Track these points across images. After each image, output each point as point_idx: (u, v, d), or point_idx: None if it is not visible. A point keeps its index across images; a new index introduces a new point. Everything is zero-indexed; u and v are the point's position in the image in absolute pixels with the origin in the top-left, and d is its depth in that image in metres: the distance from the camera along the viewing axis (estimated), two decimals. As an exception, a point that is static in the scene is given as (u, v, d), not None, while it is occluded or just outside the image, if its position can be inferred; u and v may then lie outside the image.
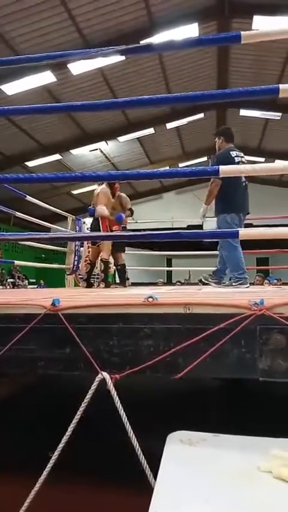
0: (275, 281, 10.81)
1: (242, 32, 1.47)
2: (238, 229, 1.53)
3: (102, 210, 4.77)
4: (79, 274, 6.49)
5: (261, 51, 9.19)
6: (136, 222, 6.54)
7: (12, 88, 8.98)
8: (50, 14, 7.46)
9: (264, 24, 7.92)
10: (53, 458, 1.27)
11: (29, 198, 4.68)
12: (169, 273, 18.79)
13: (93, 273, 6.27)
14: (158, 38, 8.32)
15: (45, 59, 1.62)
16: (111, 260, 5.36)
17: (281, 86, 1.49)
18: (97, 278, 7.25)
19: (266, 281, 10.72)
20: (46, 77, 8.97)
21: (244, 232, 1.59)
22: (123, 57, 8.88)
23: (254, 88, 1.58)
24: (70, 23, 7.79)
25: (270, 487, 0.79)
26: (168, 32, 8.36)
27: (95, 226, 4.93)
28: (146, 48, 1.77)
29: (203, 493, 0.77)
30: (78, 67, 8.82)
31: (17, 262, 5.86)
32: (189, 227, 11.87)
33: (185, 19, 8.35)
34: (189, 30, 8.49)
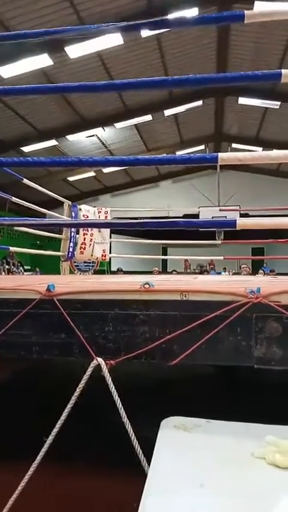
0: (269, 271, 10.92)
1: (246, 11, 1.43)
2: (236, 218, 1.51)
3: None
4: (74, 262, 6.46)
5: (262, 37, 9.06)
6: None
7: (8, 71, 8.76)
8: (47, -5, 7.28)
9: (265, 9, 7.79)
10: (47, 443, 1.27)
11: (26, 181, 4.62)
12: (164, 262, 18.81)
13: (87, 261, 6.20)
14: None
15: (42, 35, 1.57)
16: None
17: (284, 71, 1.46)
18: (92, 265, 7.24)
19: (260, 271, 10.82)
20: (42, 60, 8.77)
21: (241, 222, 1.57)
22: (121, 41, 8.72)
23: (256, 72, 1.54)
24: (68, 4, 7.61)
25: (264, 473, 0.79)
26: (167, 16, 8.20)
27: None
28: (147, 25, 1.72)
29: (197, 478, 0.77)
30: (75, 50, 8.64)
31: (12, 248, 5.79)
32: (185, 216, 11.86)
33: (184, 3, 8.19)
34: (189, 15, 8.32)
